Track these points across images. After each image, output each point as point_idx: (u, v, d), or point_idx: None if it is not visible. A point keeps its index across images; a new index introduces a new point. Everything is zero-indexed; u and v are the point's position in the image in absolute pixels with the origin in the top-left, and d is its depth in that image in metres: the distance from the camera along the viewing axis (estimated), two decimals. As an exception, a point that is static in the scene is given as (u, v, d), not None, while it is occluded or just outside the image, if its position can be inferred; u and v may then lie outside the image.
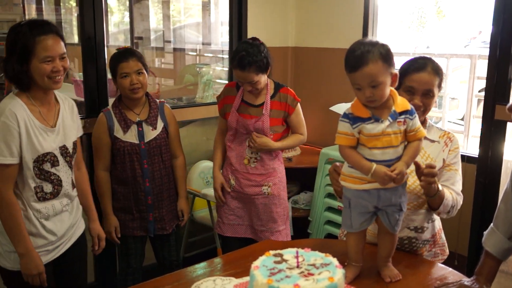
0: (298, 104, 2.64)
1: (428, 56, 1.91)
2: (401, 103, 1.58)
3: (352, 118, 1.57)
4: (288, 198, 3.70)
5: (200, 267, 1.86)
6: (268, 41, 3.87)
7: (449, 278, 1.74)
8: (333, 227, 3.34)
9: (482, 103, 4.01)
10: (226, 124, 2.65)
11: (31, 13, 5.45)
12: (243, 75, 2.46)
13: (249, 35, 3.73)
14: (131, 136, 2.43)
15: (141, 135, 2.44)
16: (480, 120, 3.06)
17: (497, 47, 2.89)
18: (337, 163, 1.80)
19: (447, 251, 2.09)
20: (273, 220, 2.64)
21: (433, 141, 1.94)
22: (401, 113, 1.57)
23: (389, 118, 1.55)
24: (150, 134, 2.47)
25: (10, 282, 1.98)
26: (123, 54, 2.42)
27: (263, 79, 2.51)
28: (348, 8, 3.62)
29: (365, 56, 1.50)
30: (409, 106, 1.59)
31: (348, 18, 3.62)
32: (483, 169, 3.00)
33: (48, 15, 5.63)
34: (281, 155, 2.73)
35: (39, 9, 5.59)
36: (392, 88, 1.58)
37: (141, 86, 2.40)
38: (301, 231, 3.51)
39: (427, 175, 1.64)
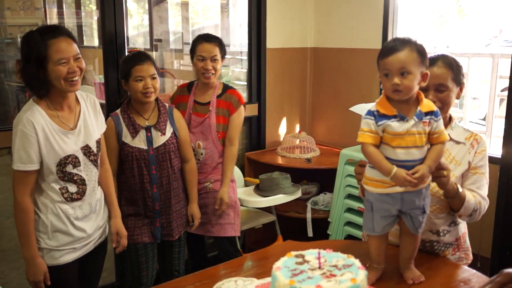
0: (242, 108, 2.76)
1: (445, 53, 1.88)
2: (427, 103, 1.58)
3: (377, 116, 1.55)
4: (308, 199, 3.72)
5: (221, 268, 1.86)
6: (287, 42, 3.91)
7: (473, 281, 1.72)
8: (353, 228, 3.32)
9: (504, 103, 3.94)
10: None
11: (53, 17, 5.53)
12: (209, 46, 2.62)
13: (268, 36, 3.74)
14: (139, 142, 2.40)
15: (149, 140, 2.41)
16: (503, 120, 3.01)
17: (520, 46, 2.84)
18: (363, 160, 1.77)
19: (471, 256, 2.05)
20: (213, 213, 2.75)
21: (458, 142, 1.89)
22: (426, 114, 1.56)
23: (415, 117, 1.54)
24: (159, 139, 2.43)
25: None
26: (139, 57, 2.39)
27: (219, 64, 2.66)
28: (368, 8, 3.60)
29: (401, 43, 1.54)
30: (434, 108, 1.58)
31: (368, 18, 3.60)
32: (506, 170, 2.95)
33: (69, 18, 5.71)
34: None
35: (60, 13, 5.67)
36: (419, 90, 1.58)
37: (154, 91, 2.37)
38: (321, 232, 3.49)
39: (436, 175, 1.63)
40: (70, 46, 1.90)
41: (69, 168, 1.95)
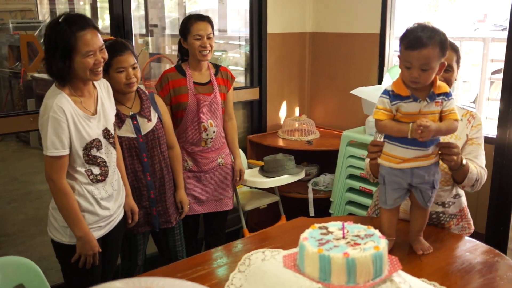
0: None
1: None
2: (441, 85, 1.67)
3: (391, 95, 1.66)
4: (308, 180, 3.82)
5: (240, 242, 1.96)
6: (286, 26, 3.97)
7: (477, 250, 1.84)
8: (354, 207, 3.44)
9: (494, 85, 4.08)
10: (171, 111, 2.74)
11: (43, 2, 5.49)
12: (203, 24, 2.69)
13: (268, 22, 3.80)
14: (126, 131, 2.36)
15: (137, 128, 2.38)
16: (493, 102, 3.12)
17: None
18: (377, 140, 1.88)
19: (473, 226, 2.19)
20: (225, 187, 2.92)
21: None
22: (439, 95, 1.65)
23: (427, 99, 1.64)
24: (146, 126, 2.40)
25: (65, 256, 2.09)
26: (118, 47, 2.29)
27: (213, 42, 2.74)
28: (366, -7, 3.67)
29: (427, 38, 1.58)
30: (448, 89, 1.67)
31: (366, 3, 3.66)
32: (500, 149, 3.08)
33: (61, 4, 5.68)
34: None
35: (51, -1, 5.61)
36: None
37: (136, 80, 2.32)
38: (322, 212, 3.60)
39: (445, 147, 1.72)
40: (97, 37, 1.95)
41: (94, 152, 2.02)
